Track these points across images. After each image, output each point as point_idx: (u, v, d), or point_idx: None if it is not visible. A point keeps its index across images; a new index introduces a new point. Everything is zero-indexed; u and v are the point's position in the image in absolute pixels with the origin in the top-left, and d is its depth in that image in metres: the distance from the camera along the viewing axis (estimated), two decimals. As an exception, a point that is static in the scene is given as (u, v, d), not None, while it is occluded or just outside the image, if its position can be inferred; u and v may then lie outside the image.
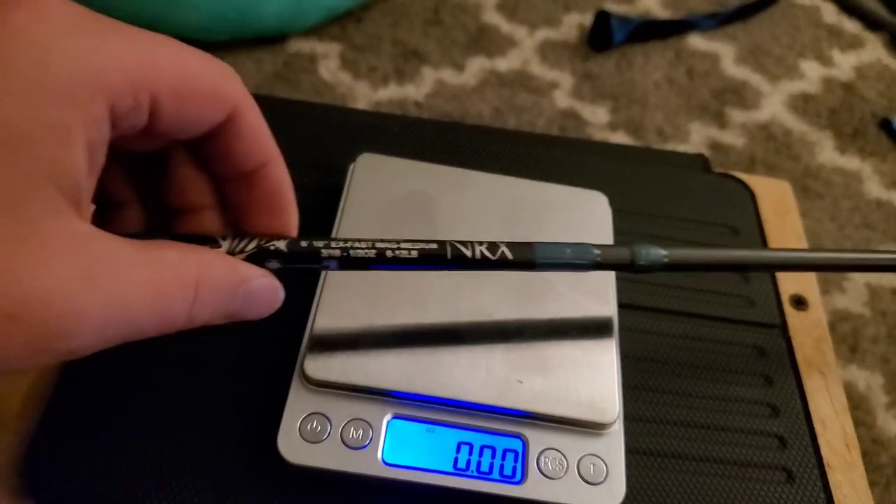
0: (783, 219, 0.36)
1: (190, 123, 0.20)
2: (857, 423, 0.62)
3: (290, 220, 0.23)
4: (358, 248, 0.23)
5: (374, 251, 0.23)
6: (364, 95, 0.81)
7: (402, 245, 0.23)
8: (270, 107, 0.36)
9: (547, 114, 0.84)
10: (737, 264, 0.28)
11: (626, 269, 0.26)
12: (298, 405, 0.25)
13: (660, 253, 0.26)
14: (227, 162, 0.22)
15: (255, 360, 0.27)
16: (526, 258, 0.25)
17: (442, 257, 0.24)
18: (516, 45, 0.88)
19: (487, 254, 0.24)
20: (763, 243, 0.34)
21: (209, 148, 0.22)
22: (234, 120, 0.21)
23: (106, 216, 0.23)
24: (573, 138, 0.61)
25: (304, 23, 0.82)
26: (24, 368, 0.17)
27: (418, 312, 0.27)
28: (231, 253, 0.22)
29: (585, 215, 0.31)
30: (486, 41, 0.88)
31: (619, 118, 0.84)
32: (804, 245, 0.36)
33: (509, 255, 0.24)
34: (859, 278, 0.72)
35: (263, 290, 0.22)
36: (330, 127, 0.35)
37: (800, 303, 0.33)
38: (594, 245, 0.26)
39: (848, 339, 0.68)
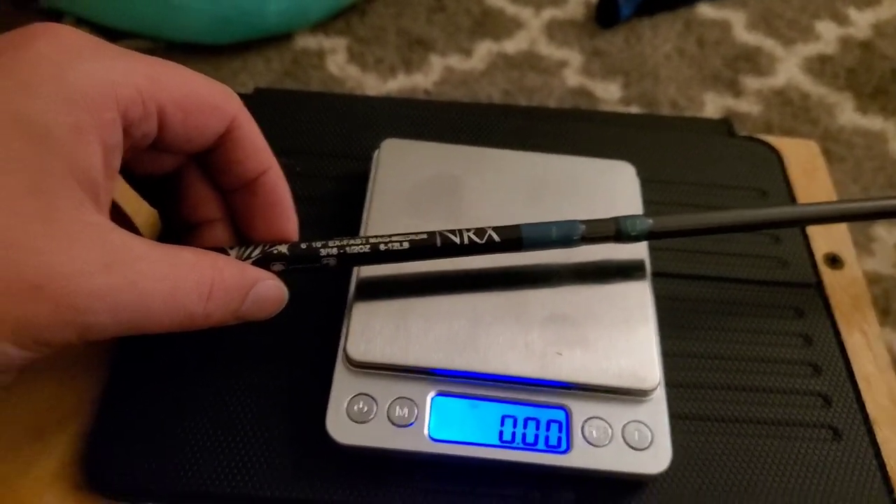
0: (812, 178, 0.36)
1: (195, 133, 0.23)
2: (892, 385, 0.61)
3: (290, 223, 0.26)
4: (353, 245, 0.25)
5: (368, 246, 0.25)
6: (373, 87, 0.81)
7: (394, 238, 0.25)
8: (287, 101, 0.36)
9: (557, 93, 0.83)
10: (725, 226, 0.28)
11: (614, 240, 0.27)
12: (344, 387, 0.25)
13: (646, 222, 0.27)
14: (230, 171, 0.25)
15: (298, 347, 0.28)
16: (513, 238, 0.26)
17: (432, 246, 0.26)
18: (522, 26, 0.88)
19: (475, 238, 0.26)
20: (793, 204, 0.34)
21: (214, 160, 0.24)
22: (233, 131, 0.23)
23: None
24: (594, 111, 0.61)
25: (309, 19, 0.82)
26: (53, 343, 0.19)
27: (454, 290, 0.27)
28: (239, 259, 0.24)
29: (613, 186, 0.31)
30: (492, 24, 0.88)
31: (632, 93, 0.83)
32: (835, 203, 0.35)
33: (496, 237, 0.26)
34: (888, 239, 0.71)
35: (270, 291, 0.24)
36: (349, 116, 0.35)
37: (835, 261, 0.32)
38: (579, 221, 0.27)
39: (879, 301, 0.67)
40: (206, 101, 0.22)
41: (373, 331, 0.26)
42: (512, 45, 0.86)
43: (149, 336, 0.21)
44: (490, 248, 0.26)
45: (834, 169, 0.77)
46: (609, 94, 0.84)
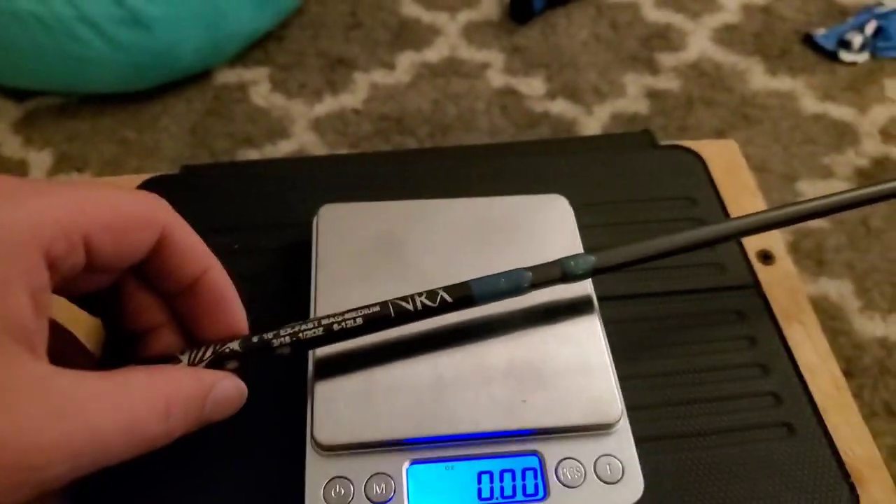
0: (735, 177, 0.37)
1: (126, 251, 0.22)
2: (837, 333, 0.64)
3: (237, 318, 0.25)
4: (306, 331, 0.25)
5: (321, 329, 0.25)
6: (301, 114, 0.80)
7: (347, 315, 0.25)
8: (215, 175, 0.36)
9: (484, 95, 0.84)
10: (665, 251, 0.29)
11: (561, 282, 0.28)
12: (318, 473, 0.25)
13: (588, 259, 0.28)
14: (169, 278, 0.24)
15: (263, 436, 0.28)
16: (464, 296, 0.27)
17: (386, 317, 0.26)
18: (440, 33, 0.88)
19: (428, 303, 0.26)
20: (721, 206, 0.36)
21: (151, 269, 0.24)
22: (165, 239, 0.23)
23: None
24: (522, 142, 0.62)
25: (226, 53, 0.80)
26: None
27: (410, 356, 0.27)
28: (192, 364, 0.24)
29: (550, 221, 0.32)
30: (410, 35, 0.88)
31: (555, 85, 0.84)
32: (759, 199, 0.37)
33: (448, 298, 0.27)
34: (812, 192, 0.75)
35: (228, 391, 0.24)
36: (281, 182, 0.35)
37: (767, 257, 0.34)
38: (525, 268, 0.28)
39: (812, 253, 0.70)
40: (133, 217, 0.22)
41: (338, 411, 0.26)
42: (433, 54, 0.86)
43: None
44: (443, 308, 0.27)
45: (755, 132, 0.80)
46: (533, 89, 0.85)
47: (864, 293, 0.68)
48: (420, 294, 0.27)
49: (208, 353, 0.24)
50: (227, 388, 0.24)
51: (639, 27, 0.91)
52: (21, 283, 0.19)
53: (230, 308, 0.25)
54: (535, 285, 0.28)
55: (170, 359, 0.24)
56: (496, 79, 0.90)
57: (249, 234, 0.33)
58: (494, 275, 0.27)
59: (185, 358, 0.24)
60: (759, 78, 0.89)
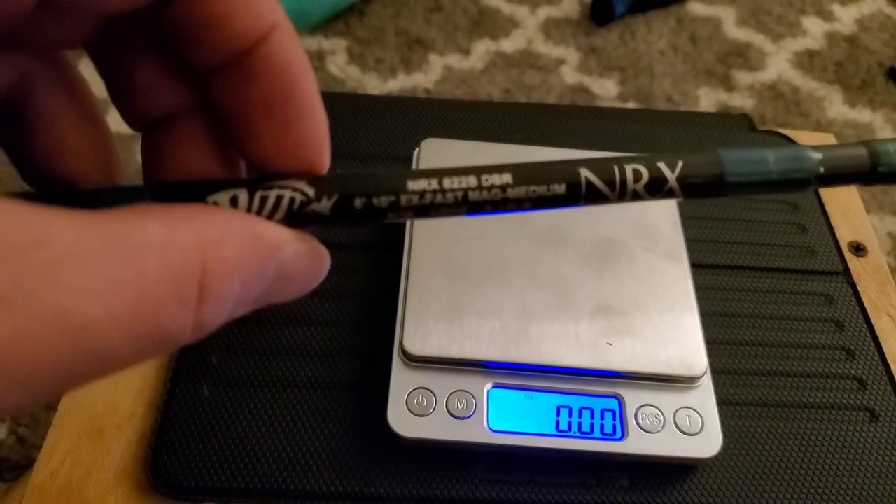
0: (830, 169, 0.37)
1: None
2: None
3: (316, 126, 0.14)
4: (441, 205, 0.15)
5: (464, 206, 0.15)
6: (374, 87, 0.81)
7: (510, 193, 0.15)
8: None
9: (556, 90, 0.84)
10: None
11: (865, 180, 0.17)
12: (403, 382, 0.25)
13: None
14: (205, 38, 0.14)
15: (353, 344, 0.28)
16: (710, 179, 0.16)
17: (574, 191, 0.15)
18: (519, 26, 0.89)
19: (642, 171, 0.16)
20: (817, 197, 0.35)
21: (173, 20, 0.14)
22: None
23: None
24: (622, 108, 0.62)
25: (309, 21, 0.82)
26: None
27: (503, 283, 0.28)
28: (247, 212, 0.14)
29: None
30: (489, 23, 0.89)
31: (628, 89, 0.84)
32: (857, 197, 0.36)
33: (670, 175, 0.16)
34: (881, 228, 0.73)
35: (301, 259, 0.14)
36: (384, 117, 0.36)
37: (859, 249, 0.33)
38: (812, 147, 0.16)
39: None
40: None
41: (427, 325, 0.26)
42: (509, 44, 0.87)
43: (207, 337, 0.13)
44: (656, 190, 0.16)
45: (827, 161, 0.79)
46: (606, 90, 0.84)
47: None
48: (630, 160, 0.15)
49: (277, 208, 0.14)
50: (300, 251, 0.14)
51: (718, 43, 0.91)
52: None
53: (303, 104, 0.14)
54: (824, 179, 0.16)
55: (209, 187, 0.14)
56: (570, 76, 0.90)
57: (350, 161, 0.33)
58: (758, 150, 0.16)
59: (224, 198, 0.14)
60: (836, 107, 0.88)
